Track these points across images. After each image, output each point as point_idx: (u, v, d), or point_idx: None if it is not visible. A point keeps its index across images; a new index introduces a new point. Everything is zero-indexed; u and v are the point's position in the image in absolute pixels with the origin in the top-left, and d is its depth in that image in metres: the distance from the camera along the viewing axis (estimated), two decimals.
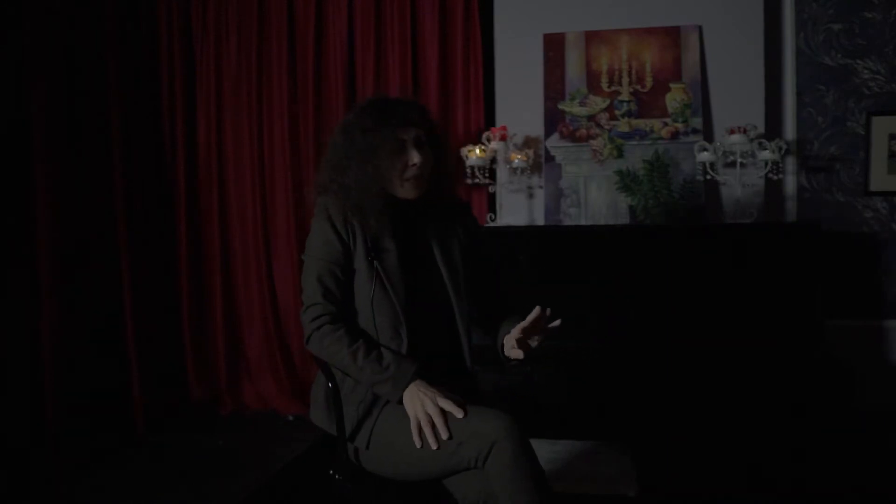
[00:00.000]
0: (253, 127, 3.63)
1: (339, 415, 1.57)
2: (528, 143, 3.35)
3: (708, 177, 3.12)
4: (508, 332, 1.59)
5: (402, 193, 1.60)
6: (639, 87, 3.28)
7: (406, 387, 1.49)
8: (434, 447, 1.43)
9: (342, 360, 1.54)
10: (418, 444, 1.44)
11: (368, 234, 1.59)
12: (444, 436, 1.42)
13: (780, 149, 3.09)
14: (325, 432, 1.67)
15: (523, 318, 1.52)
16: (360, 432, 1.56)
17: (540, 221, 3.33)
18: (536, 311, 1.49)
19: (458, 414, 1.43)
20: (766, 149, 3.06)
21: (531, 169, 3.29)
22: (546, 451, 2.56)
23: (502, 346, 1.64)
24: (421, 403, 1.46)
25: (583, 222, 3.22)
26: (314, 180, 1.67)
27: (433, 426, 1.43)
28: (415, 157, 1.56)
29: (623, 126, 3.26)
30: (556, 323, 1.52)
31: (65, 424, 2.87)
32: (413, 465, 1.49)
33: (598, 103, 3.29)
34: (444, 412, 1.44)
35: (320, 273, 1.58)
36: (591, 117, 3.28)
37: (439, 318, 1.64)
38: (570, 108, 3.30)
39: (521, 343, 1.53)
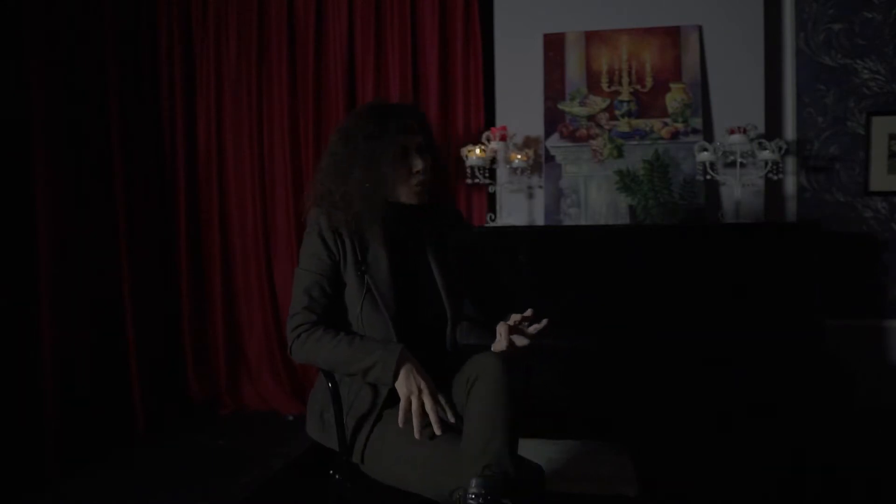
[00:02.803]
0: (253, 127, 3.63)
1: (339, 413, 1.57)
2: (528, 143, 3.35)
3: (708, 177, 3.12)
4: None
5: (406, 199, 1.59)
6: (639, 87, 3.28)
7: (396, 365, 1.46)
8: (418, 436, 1.42)
9: (327, 360, 1.54)
10: (401, 423, 1.44)
11: (358, 245, 1.58)
12: (438, 432, 1.42)
13: (780, 149, 3.09)
14: None
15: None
16: (353, 448, 1.56)
17: (540, 221, 3.33)
18: (529, 311, 1.51)
19: (450, 419, 1.45)
20: (766, 149, 3.06)
21: (531, 169, 3.29)
22: (546, 451, 2.57)
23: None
24: (417, 387, 1.44)
25: (583, 222, 3.22)
26: (309, 190, 1.65)
27: (423, 416, 1.43)
28: (418, 164, 1.56)
29: (623, 126, 3.26)
30: (543, 324, 1.50)
31: (65, 424, 2.87)
32: (399, 481, 1.49)
33: (598, 103, 3.29)
34: (437, 406, 1.44)
35: (307, 284, 1.59)
36: (591, 117, 3.28)
37: (432, 324, 1.63)
38: (570, 108, 3.30)
39: (509, 341, 1.51)
